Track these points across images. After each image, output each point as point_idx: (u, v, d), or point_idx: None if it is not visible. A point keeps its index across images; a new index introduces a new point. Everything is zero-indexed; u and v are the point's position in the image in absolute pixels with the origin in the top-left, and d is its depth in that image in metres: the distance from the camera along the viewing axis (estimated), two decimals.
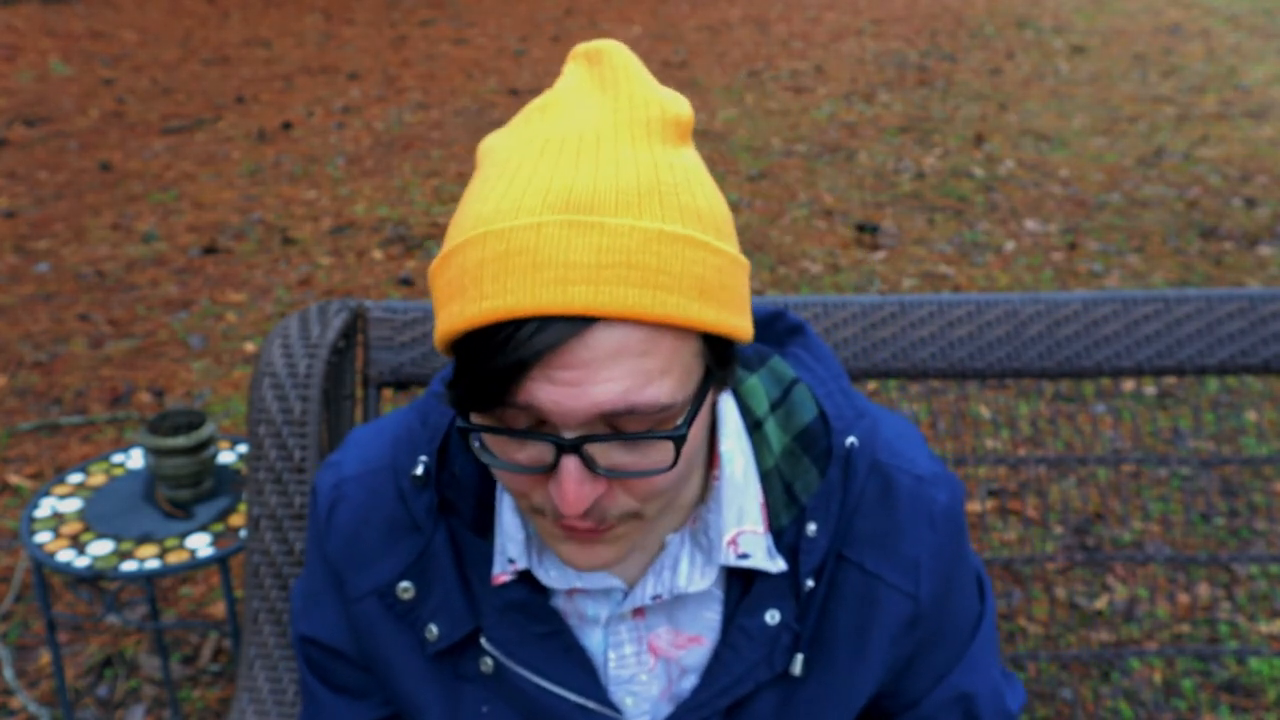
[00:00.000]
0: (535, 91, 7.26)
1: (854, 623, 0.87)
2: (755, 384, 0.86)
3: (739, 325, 0.71)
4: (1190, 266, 4.40)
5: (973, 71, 7.78)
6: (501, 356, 0.65)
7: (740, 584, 0.86)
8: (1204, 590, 2.52)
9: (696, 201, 0.69)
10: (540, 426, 0.69)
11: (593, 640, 0.87)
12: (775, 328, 0.94)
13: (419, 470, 0.86)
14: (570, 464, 0.68)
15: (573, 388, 0.66)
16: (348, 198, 5.29)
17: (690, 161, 0.72)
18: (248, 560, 1.32)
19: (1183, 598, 2.50)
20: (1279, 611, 2.48)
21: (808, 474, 0.85)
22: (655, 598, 0.84)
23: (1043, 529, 2.75)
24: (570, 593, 0.86)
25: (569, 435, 0.68)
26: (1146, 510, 2.81)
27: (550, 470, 0.70)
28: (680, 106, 0.72)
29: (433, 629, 0.87)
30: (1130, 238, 4.70)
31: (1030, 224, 4.88)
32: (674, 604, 0.86)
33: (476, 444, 0.74)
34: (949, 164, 5.72)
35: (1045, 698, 2.21)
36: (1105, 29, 9.31)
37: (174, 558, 1.92)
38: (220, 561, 1.95)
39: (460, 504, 0.86)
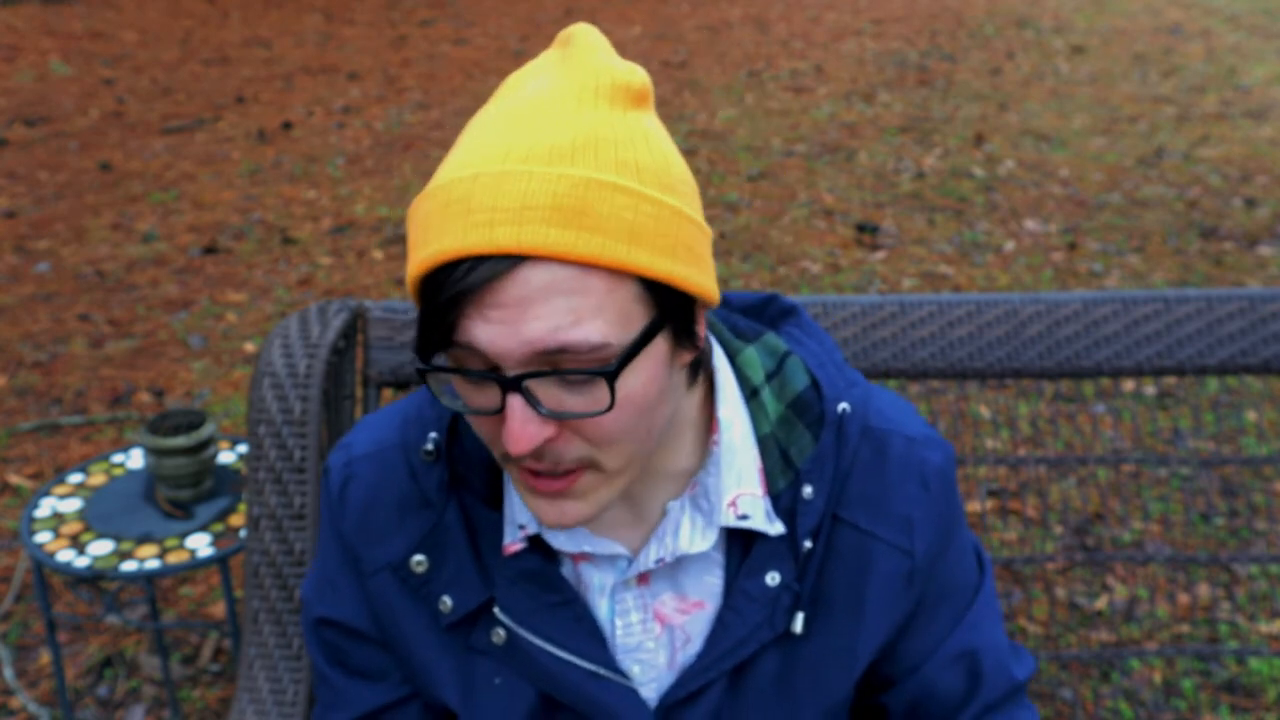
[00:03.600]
0: None
1: (850, 580, 0.89)
2: (751, 354, 0.89)
3: (686, 276, 0.73)
4: (1190, 266, 4.40)
5: (973, 71, 7.78)
6: (440, 295, 0.69)
7: (740, 548, 0.88)
8: (1204, 590, 2.52)
9: (637, 156, 0.72)
10: (488, 369, 0.72)
11: (599, 609, 0.89)
12: (768, 311, 0.96)
13: (429, 446, 0.89)
14: (515, 402, 0.71)
15: (505, 325, 0.69)
16: (348, 198, 5.30)
17: (639, 124, 0.74)
18: (248, 560, 1.32)
19: (1183, 598, 2.50)
20: (1279, 611, 2.48)
21: (802, 439, 0.88)
22: (659, 561, 0.86)
23: (1043, 529, 2.75)
24: (577, 560, 0.89)
25: (510, 373, 0.71)
26: (1146, 510, 2.81)
27: (499, 412, 0.73)
28: (632, 75, 0.75)
29: (446, 601, 0.88)
30: (1130, 238, 4.70)
31: (1030, 224, 4.88)
32: (677, 569, 0.88)
33: (443, 391, 0.77)
34: (949, 164, 5.72)
35: (1045, 698, 2.21)
36: (1105, 29, 9.31)
37: (174, 558, 1.92)
38: (220, 561, 1.95)
39: (471, 477, 0.89)
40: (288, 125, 6.48)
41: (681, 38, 9.07)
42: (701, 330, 0.79)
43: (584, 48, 0.75)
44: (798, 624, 0.88)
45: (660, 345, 0.75)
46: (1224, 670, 2.30)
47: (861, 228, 4.82)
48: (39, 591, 2.03)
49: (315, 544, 1.32)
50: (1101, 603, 2.49)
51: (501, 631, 0.88)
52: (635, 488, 0.87)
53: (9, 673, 2.35)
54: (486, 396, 0.74)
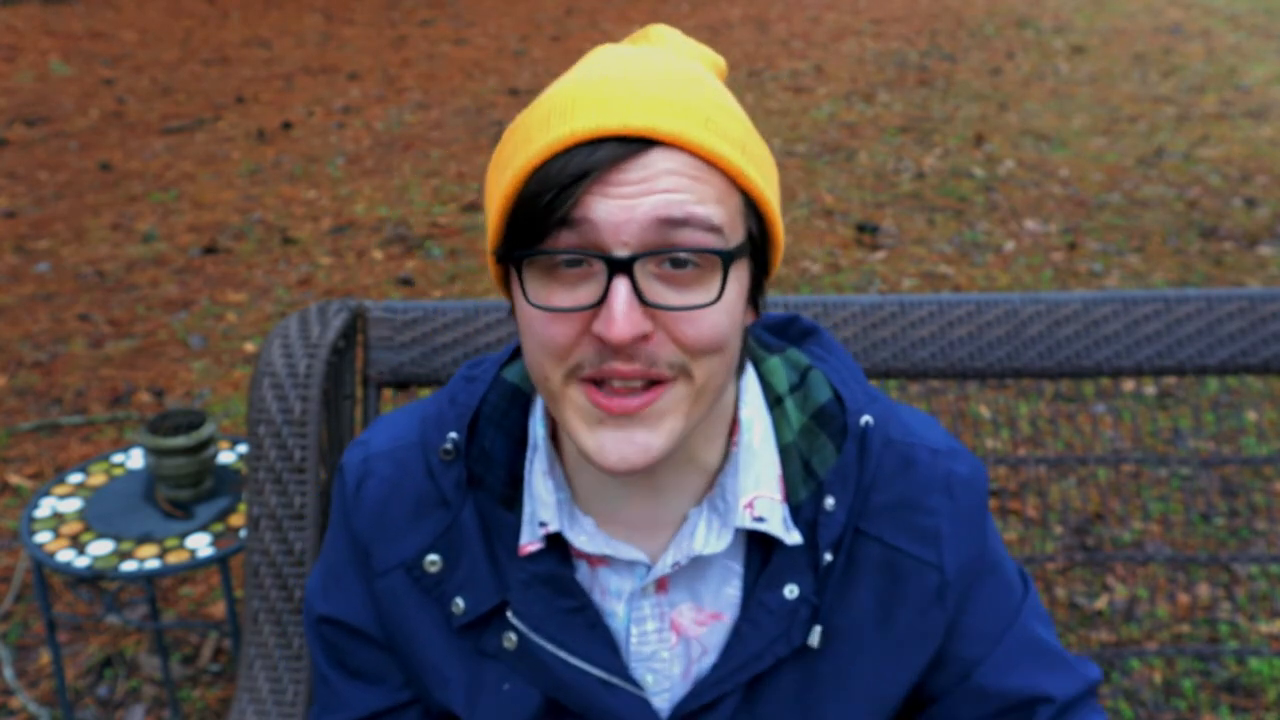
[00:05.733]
0: (535, 91, 7.25)
1: (877, 598, 0.87)
2: (776, 364, 0.90)
3: (773, 208, 0.78)
4: (1190, 266, 4.40)
5: (973, 71, 7.78)
6: (564, 175, 0.70)
7: (760, 560, 0.86)
8: (1204, 590, 2.52)
9: (736, 105, 0.79)
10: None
11: (615, 616, 0.88)
12: (790, 331, 0.96)
13: (448, 445, 0.88)
14: (621, 287, 0.71)
15: (628, 200, 0.70)
16: (348, 198, 5.29)
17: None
18: (248, 560, 1.32)
19: (1183, 598, 2.50)
20: (1279, 611, 2.48)
21: (824, 449, 0.87)
22: (675, 565, 0.85)
23: (1043, 529, 2.75)
24: (594, 564, 0.87)
25: (621, 254, 0.71)
26: (1146, 510, 2.81)
27: (598, 306, 0.72)
28: (719, 57, 0.83)
29: (459, 602, 0.87)
30: (1130, 238, 4.70)
31: (1030, 224, 4.88)
32: (696, 579, 0.87)
33: (523, 298, 0.75)
34: (949, 164, 5.72)
35: None
36: (1105, 29, 9.31)
37: (174, 558, 1.92)
38: (220, 561, 1.95)
39: (489, 478, 0.88)
40: (288, 125, 6.48)
41: None
42: (762, 305, 0.83)
43: (668, 35, 0.82)
44: (814, 638, 0.86)
45: (745, 277, 0.78)
46: (1224, 670, 2.30)
47: (861, 228, 4.82)
48: (39, 591, 2.03)
49: (319, 542, 1.32)
50: (1101, 603, 2.49)
51: (513, 636, 0.87)
52: (663, 476, 0.84)
53: (9, 673, 2.35)
54: (583, 291, 0.73)
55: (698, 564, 0.86)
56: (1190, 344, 1.45)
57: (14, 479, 3.04)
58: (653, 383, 0.75)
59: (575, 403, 0.76)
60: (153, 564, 1.91)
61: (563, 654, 0.86)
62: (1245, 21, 9.54)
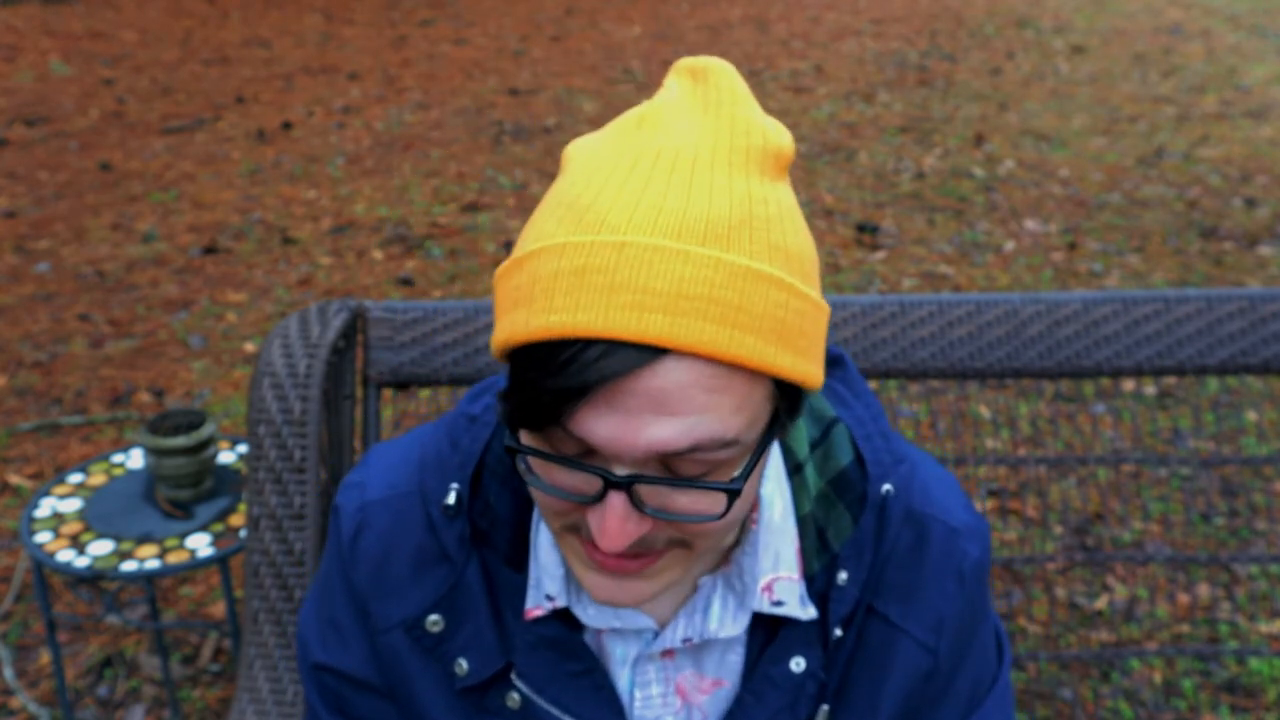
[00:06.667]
0: (535, 91, 7.27)
1: (872, 675, 0.85)
2: (799, 425, 0.83)
3: (812, 373, 0.68)
4: (1190, 266, 4.40)
5: (973, 71, 7.78)
6: (564, 377, 0.62)
7: (765, 629, 0.83)
8: (1204, 590, 2.52)
9: (787, 240, 0.66)
10: (589, 456, 0.66)
11: (619, 679, 0.85)
12: None
13: (451, 499, 0.83)
14: (617, 501, 0.65)
15: (632, 422, 0.63)
16: (348, 198, 5.30)
17: (786, 198, 0.69)
18: (248, 560, 1.32)
19: (1183, 598, 2.50)
20: (1279, 611, 2.48)
21: (841, 520, 0.83)
22: (685, 640, 0.81)
23: (1043, 529, 2.75)
24: (600, 631, 0.85)
25: (620, 472, 0.65)
26: (1146, 510, 2.81)
27: (595, 502, 0.67)
28: (783, 138, 0.69)
29: (462, 664, 0.84)
30: (1130, 238, 4.70)
31: (1030, 224, 4.88)
32: (700, 647, 0.84)
33: (522, 465, 0.71)
34: (949, 164, 5.72)
35: (1045, 698, 2.21)
36: (1105, 29, 9.31)
37: (174, 558, 1.92)
38: (220, 561, 1.95)
39: (494, 535, 0.83)
40: (288, 125, 6.48)
41: (681, 38, 9.06)
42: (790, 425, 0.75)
43: (728, 93, 0.69)
44: (821, 718, 0.83)
45: (768, 446, 0.71)
46: (1224, 670, 2.30)
47: (861, 228, 4.82)
48: (39, 591, 2.03)
49: (318, 542, 1.32)
50: (1101, 603, 2.49)
51: (516, 696, 0.84)
52: None
53: (9, 673, 2.35)
54: (579, 482, 0.68)
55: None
56: (1190, 344, 1.45)
57: (14, 479, 3.04)
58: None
59: (573, 547, 0.73)
60: (153, 564, 1.91)
61: (567, 718, 0.84)
62: (1245, 21, 9.54)
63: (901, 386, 3.06)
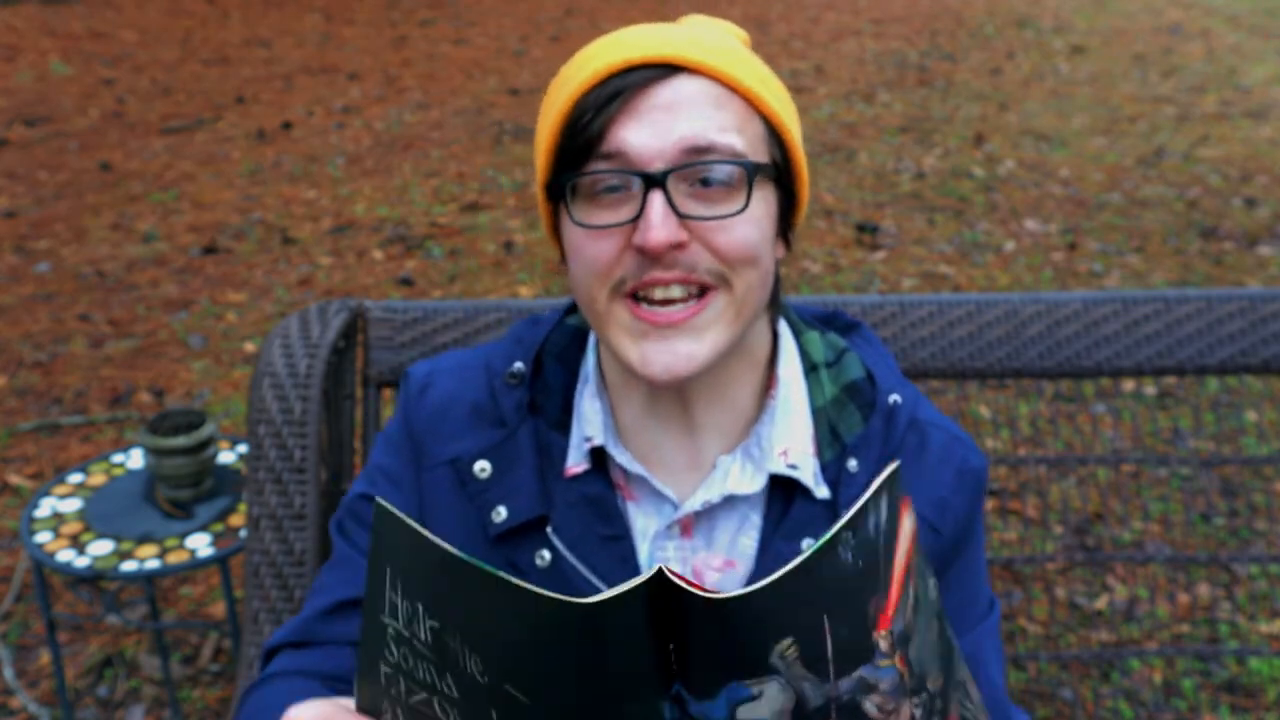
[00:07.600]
0: (535, 91, 7.26)
1: None
2: (815, 338, 0.96)
3: (794, 136, 0.86)
4: (1190, 266, 4.40)
5: (973, 71, 7.78)
6: (598, 95, 0.80)
7: (779, 511, 0.90)
8: (1204, 590, 2.52)
9: (760, 61, 0.86)
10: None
11: (639, 553, 0.91)
12: (835, 323, 1.01)
13: (514, 370, 0.95)
14: (656, 199, 0.79)
15: (658, 125, 0.79)
16: (348, 198, 5.30)
17: None
18: (248, 560, 1.32)
19: (1183, 598, 2.50)
20: (1279, 611, 2.48)
21: (851, 418, 0.92)
22: (705, 504, 0.88)
23: (1043, 529, 2.75)
24: (626, 498, 0.91)
25: (655, 169, 0.79)
26: (1146, 510, 2.81)
27: (637, 220, 0.80)
28: (742, 31, 0.90)
29: (501, 510, 0.91)
30: (1130, 238, 4.70)
31: (1030, 224, 4.88)
32: (715, 525, 0.90)
33: (572, 220, 0.83)
34: (949, 164, 5.72)
35: (1045, 698, 2.21)
36: (1105, 29, 9.31)
37: (174, 558, 1.92)
38: (220, 561, 1.95)
39: (547, 405, 0.94)
40: (288, 125, 6.48)
41: None
42: (792, 240, 0.91)
43: (697, 17, 0.90)
44: None
45: (772, 200, 0.85)
46: (1224, 670, 2.30)
47: (861, 228, 4.82)
48: (39, 591, 2.03)
49: (319, 542, 1.32)
50: (1101, 603, 2.49)
51: (547, 554, 0.89)
52: (700, 414, 0.89)
53: (9, 673, 2.35)
54: (623, 210, 0.81)
55: (720, 509, 0.90)
56: (1190, 344, 1.45)
57: (14, 479, 3.04)
58: (694, 296, 0.82)
59: (620, 320, 0.83)
60: (153, 564, 1.91)
61: (594, 578, 0.89)
62: (1245, 21, 9.54)
63: None
